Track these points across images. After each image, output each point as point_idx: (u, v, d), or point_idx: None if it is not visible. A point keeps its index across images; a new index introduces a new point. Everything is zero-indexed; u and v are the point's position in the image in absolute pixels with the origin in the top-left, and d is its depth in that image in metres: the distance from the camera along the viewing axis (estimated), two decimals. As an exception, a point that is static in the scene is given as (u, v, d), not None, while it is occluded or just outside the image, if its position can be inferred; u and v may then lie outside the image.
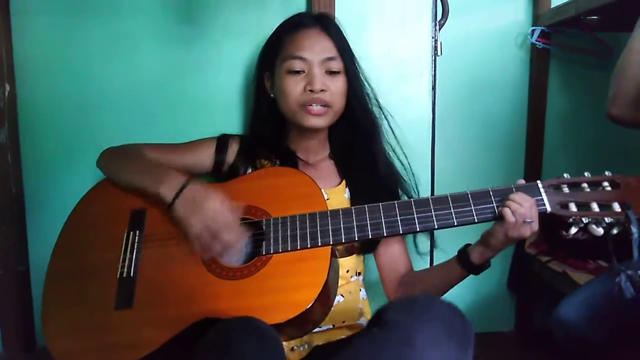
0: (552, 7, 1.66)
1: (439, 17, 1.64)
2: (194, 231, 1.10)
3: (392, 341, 0.89)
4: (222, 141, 1.38)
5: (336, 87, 1.30)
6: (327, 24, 1.32)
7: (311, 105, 1.28)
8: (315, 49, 1.28)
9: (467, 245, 1.20)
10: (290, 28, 1.33)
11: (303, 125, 1.31)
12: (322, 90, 1.27)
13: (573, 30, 1.65)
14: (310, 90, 1.27)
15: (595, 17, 1.50)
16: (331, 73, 1.29)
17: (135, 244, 1.17)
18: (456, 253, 1.21)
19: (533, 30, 1.66)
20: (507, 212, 1.06)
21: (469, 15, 1.68)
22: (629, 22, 1.52)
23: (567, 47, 1.70)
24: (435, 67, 1.67)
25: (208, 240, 1.10)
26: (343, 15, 1.41)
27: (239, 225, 1.12)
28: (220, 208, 1.10)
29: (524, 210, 1.05)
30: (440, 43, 1.64)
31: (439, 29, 1.64)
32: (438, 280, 1.26)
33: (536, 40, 1.66)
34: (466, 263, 1.18)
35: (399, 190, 1.41)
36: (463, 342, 0.91)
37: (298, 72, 1.29)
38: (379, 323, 0.93)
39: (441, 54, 1.64)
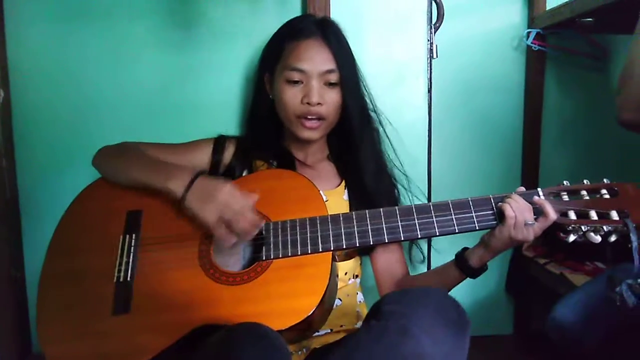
0: (547, 9, 1.66)
1: (434, 19, 1.64)
2: (210, 221, 1.09)
3: (388, 331, 0.90)
4: (219, 142, 1.38)
5: (332, 100, 1.29)
6: (328, 33, 1.31)
7: (307, 118, 1.28)
8: (315, 61, 1.28)
9: (465, 248, 1.20)
10: (293, 35, 1.32)
11: (298, 137, 1.32)
12: (318, 104, 1.27)
13: (568, 33, 1.65)
14: (307, 103, 1.27)
15: (590, 20, 1.49)
16: (329, 85, 1.29)
17: (132, 247, 1.16)
18: (454, 257, 1.21)
19: (528, 33, 1.66)
20: (506, 207, 1.08)
21: (464, 17, 1.68)
22: (624, 24, 1.53)
23: (563, 49, 1.70)
24: (430, 69, 1.67)
25: (223, 230, 1.09)
26: (338, 18, 1.40)
27: (253, 212, 1.11)
28: (231, 196, 1.10)
29: (522, 207, 1.07)
30: (436, 46, 1.64)
31: (434, 32, 1.64)
32: (435, 284, 1.25)
33: (532, 43, 1.66)
34: (464, 267, 1.18)
35: (397, 194, 1.42)
36: (458, 329, 0.93)
37: (296, 83, 1.28)
38: (376, 315, 0.95)
39: (437, 56, 1.64)
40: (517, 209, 1.07)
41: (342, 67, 1.29)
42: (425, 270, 1.65)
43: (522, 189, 1.14)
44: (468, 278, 1.20)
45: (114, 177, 1.24)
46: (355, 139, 1.35)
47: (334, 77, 1.29)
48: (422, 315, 0.91)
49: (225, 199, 1.09)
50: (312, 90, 1.26)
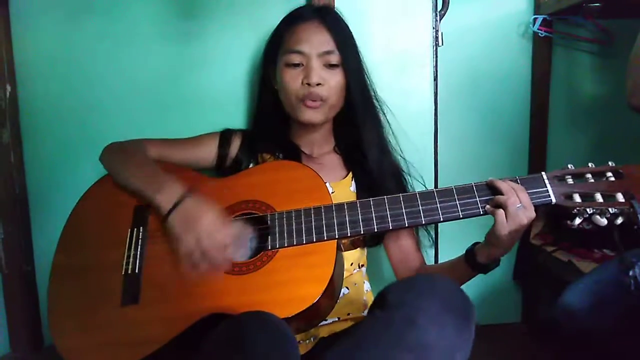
0: (553, -5, 1.65)
1: (439, 7, 1.63)
2: (185, 248, 1.09)
3: (395, 321, 0.91)
4: (225, 136, 1.39)
5: (334, 81, 1.29)
6: (326, 17, 1.31)
7: (308, 99, 1.28)
8: (313, 42, 1.28)
9: (476, 243, 1.19)
10: (290, 21, 1.33)
11: (300, 120, 1.31)
12: (319, 84, 1.27)
13: (575, 18, 1.64)
14: (307, 84, 1.27)
15: (597, 4, 1.49)
16: (330, 66, 1.29)
17: (140, 240, 1.17)
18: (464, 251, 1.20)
19: (535, 19, 1.65)
20: (499, 207, 1.06)
21: (469, 5, 1.68)
22: (632, 8, 1.52)
23: (570, 35, 1.69)
24: (436, 58, 1.66)
25: (197, 257, 1.08)
26: (343, 7, 1.41)
27: (230, 247, 1.10)
28: (213, 227, 1.08)
29: (508, 200, 1.05)
30: (442, 34, 1.63)
31: (440, 20, 1.63)
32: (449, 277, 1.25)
33: (538, 29, 1.65)
34: (473, 262, 1.17)
35: (404, 183, 1.41)
36: (463, 317, 0.93)
37: (296, 65, 1.29)
38: (382, 305, 0.95)
39: (442, 44, 1.63)
40: (508, 201, 1.05)
41: (342, 49, 1.30)
42: (434, 254, 1.65)
43: None
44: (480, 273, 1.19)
45: (115, 179, 1.25)
46: (359, 122, 1.35)
47: (333, 59, 1.29)
48: (428, 304, 0.91)
49: (206, 231, 1.08)
50: (311, 71, 1.27)
